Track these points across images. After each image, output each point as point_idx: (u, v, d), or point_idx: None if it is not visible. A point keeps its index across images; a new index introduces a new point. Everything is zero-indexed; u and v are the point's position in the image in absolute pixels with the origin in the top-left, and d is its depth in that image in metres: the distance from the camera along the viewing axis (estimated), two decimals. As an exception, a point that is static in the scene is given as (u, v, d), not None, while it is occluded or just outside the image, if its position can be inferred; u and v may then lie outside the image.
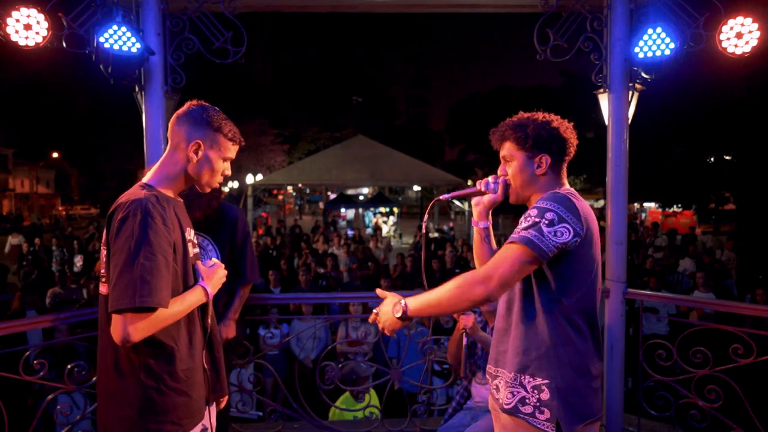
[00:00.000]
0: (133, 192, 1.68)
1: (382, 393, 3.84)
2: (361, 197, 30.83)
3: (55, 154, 37.71)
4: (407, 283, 7.78)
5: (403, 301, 1.75)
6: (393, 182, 18.57)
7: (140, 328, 1.53)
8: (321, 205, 29.65)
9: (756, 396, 3.03)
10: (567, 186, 1.82)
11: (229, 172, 1.85)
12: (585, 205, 1.71)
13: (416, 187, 19.90)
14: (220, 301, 2.76)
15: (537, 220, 1.62)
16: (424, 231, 2.47)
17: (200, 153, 1.74)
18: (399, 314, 1.74)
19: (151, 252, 1.56)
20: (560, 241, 1.61)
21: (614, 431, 3.42)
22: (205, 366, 1.81)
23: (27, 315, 5.54)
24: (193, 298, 1.72)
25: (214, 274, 1.83)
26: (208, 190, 1.86)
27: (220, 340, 1.94)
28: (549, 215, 1.62)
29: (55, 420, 3.13)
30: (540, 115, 1.79)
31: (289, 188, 36.52)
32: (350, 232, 16.72)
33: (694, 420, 3.14)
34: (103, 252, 1.67)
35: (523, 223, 1.66)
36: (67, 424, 2.99)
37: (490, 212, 1.99)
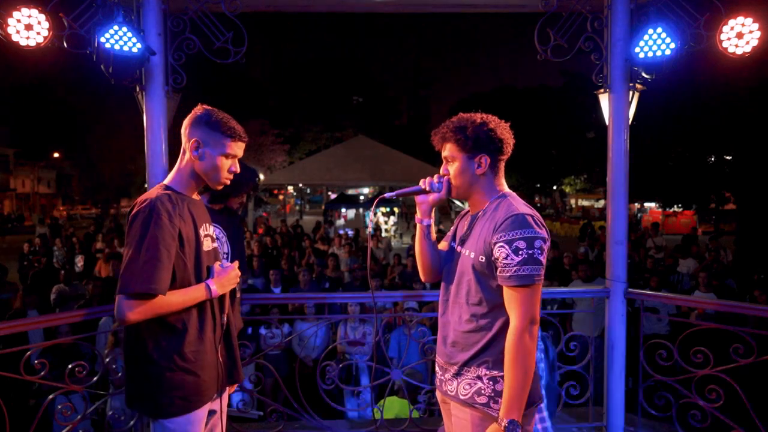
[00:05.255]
0: (151, 192, 1.88)
1: (382, 393, 3.83)
2: (362, 197, 30.80)
3: (56, 155, 37.72)
4: (406, 282, 7.77)
5: (503, 421, 1.68)
6: (393, 182, 18.61)
7: (137, 311, 1.72)
8: (323, 207, 29.64)
9: (757, 396, 3.03)
10: (506, 186, 1.92)
11: (236, 168, 1.99)
12: (532, 210, 1.80)
13: (417, 187, 19.78)
14: (235, 293, 2.97)
15: (531, 252, 1.71)
16: (370, 228, 2.52)
17: (200, 151, 1.90)
18: (505, 425, 1.67)
19: (154, 245, 1.74)
20: (546, 254, 1.76)
21: (615, 431, 3.42)
22: (220, 359, 1.97)
23: (28, 314, 5.55)
24: (195, 294, 1.88)
25: (225, 275, 1.99)
26: (220, 187, 2.00)
27: (235, 333, 2.13)
28: (537, 243, 1.73)
29: (56, 420, 3.13)
30: (478, 117, 1.87)
31: (290, 188, 36.54)
32: (350, 232, 16.71)
33: (694, 420, 3.14)
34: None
35: (511, 255, 1.71)
36: (67, 424, 2.99)
37: (434, 209, 2.06)
